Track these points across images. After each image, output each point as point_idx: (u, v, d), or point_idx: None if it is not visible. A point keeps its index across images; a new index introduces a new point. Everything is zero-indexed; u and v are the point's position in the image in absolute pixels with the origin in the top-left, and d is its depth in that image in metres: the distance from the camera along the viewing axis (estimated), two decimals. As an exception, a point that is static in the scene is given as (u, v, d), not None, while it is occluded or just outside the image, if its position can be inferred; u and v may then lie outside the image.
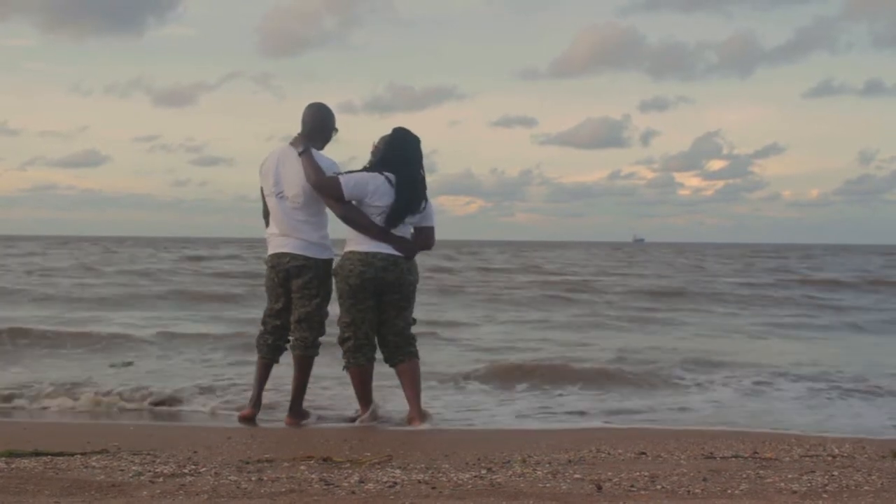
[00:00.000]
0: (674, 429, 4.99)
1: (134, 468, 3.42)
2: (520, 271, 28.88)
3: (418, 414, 4.90)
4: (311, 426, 5.01)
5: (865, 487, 3.15)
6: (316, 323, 4.99)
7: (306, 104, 5.15)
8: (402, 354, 4.94)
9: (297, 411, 5.06)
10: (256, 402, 5.09)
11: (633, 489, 3.10)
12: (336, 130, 5.18)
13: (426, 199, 4.98)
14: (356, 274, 4.81)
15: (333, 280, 4.98)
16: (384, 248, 4.82)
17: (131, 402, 5.80)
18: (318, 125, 5.08)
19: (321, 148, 5.09)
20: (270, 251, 5.05)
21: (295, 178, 4.92)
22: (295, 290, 4.97)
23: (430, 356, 7.21)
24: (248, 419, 5.04)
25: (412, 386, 4.94)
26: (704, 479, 3.26)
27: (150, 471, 3.36)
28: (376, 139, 5.06)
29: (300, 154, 4.90)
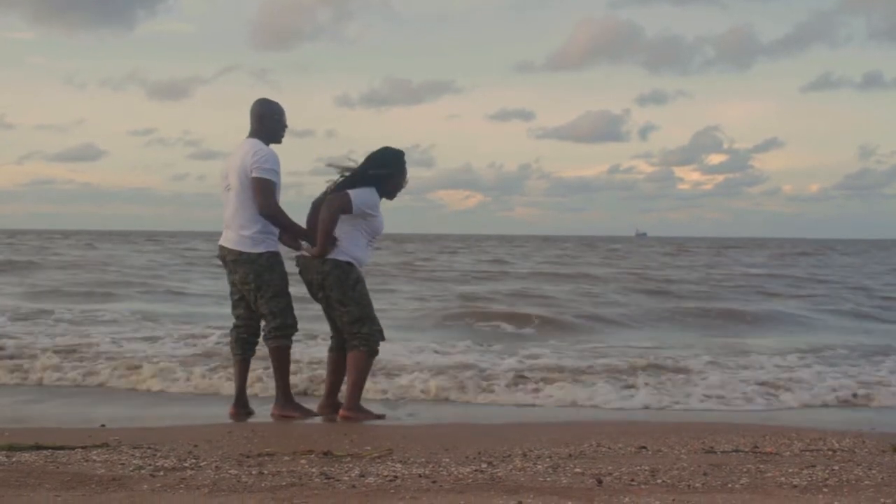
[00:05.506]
0: (674, 423, 5.00)
1: (135, 462, 3.42)
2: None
3: (345, 403, 4.99)
4: (310, 420, 5.01)
5: (866, 482, 3.15)
6: (278, 313, 4.92)
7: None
8: (349, 346, 5.02)
9: (283, 403, 5.02)
10: (238, 400, 5.10)
11: (633, 483, 3.10)
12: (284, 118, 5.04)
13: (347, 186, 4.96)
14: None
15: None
16: (301, 252, 5.02)
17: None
18: (264, 114, 4.97)
19: (278, 142, 5.01)
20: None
21: (234, 168, 4.87)
22: (238, 285, 4.98)
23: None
24: (233, 417, 5.05)
25: (348, 375, 5.01)
26: (705, 474, 3.26)
27: (150, 464, 3.37)
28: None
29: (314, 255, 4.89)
